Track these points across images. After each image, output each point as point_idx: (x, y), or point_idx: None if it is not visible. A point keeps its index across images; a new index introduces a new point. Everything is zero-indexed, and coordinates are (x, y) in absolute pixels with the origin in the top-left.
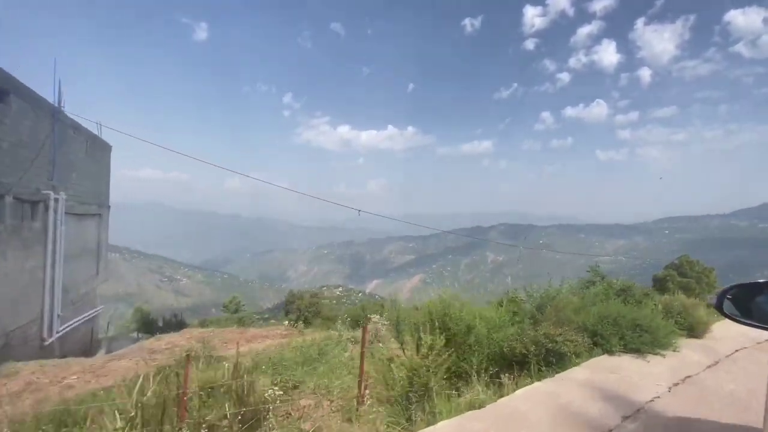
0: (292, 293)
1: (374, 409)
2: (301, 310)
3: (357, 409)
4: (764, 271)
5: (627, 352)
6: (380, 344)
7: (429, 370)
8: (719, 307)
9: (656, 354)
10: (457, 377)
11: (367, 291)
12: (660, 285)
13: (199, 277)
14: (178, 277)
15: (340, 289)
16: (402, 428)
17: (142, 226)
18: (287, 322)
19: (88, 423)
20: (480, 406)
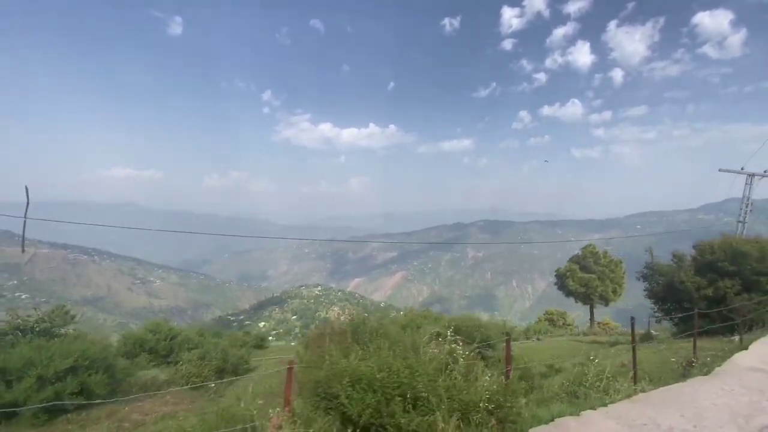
0: None
1: None
2: None
3: None
4: None
5: None
6: None
7: None
8: None
9: None
10: None
11: (348, 289)
12: (561, 282)
13: (174, 278)
14: (152, 278)
15: (319, 288)
16: None
17: (115, 227)
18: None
19: None
20: None
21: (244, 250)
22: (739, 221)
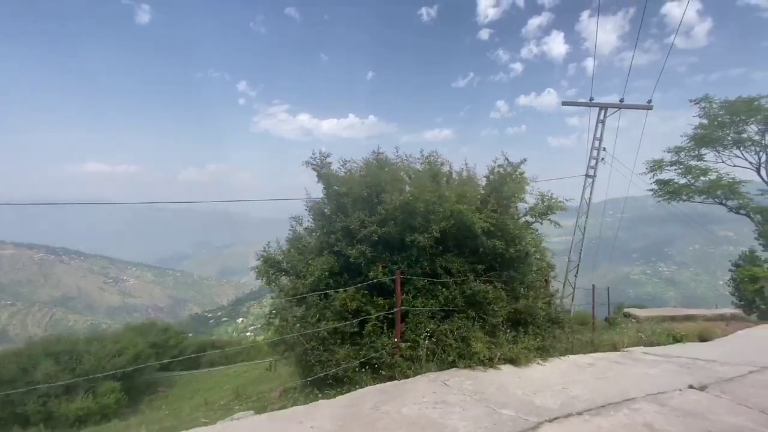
0: None
1: None
2: None
3: None
4: (695, 244)
5: None
6: None
7: None
8: None
9: None
10: None
11: None
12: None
13: (149, 276)
14: (125, 277)
15: None
16: None
17: (87, 224)
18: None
19: None
20: None
21: (224, 245)
22: (588, 175)
